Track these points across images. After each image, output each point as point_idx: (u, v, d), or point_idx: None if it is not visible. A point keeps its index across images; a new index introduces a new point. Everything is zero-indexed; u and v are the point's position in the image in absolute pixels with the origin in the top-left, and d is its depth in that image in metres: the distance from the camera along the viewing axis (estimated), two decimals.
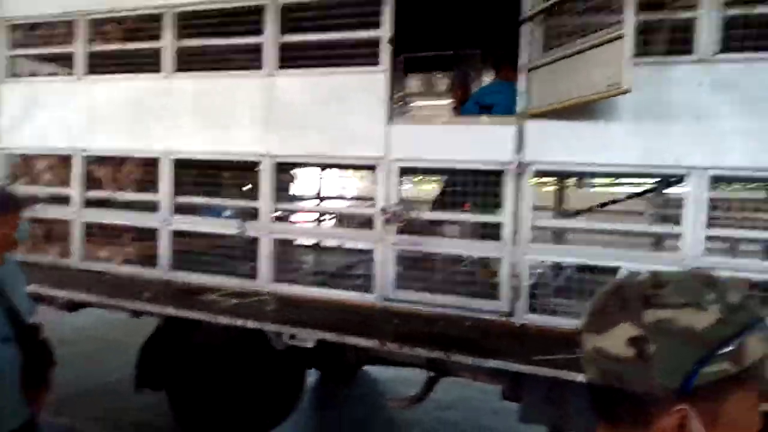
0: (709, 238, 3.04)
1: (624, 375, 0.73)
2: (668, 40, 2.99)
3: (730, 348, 0.70)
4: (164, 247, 4.26)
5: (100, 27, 4.44)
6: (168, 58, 4.18)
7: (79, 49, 4.46)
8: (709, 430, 0.71)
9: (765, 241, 3.09)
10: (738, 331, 0.71)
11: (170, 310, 3.66)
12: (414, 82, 6.33)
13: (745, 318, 0.73)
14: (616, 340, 0.74)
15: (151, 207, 4.32)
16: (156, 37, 4.20)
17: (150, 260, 4.31)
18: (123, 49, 4.36)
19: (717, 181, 3.05)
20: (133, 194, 4.44)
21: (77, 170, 4.52)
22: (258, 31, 3.87)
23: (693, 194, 2.99)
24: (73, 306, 4.16)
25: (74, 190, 4.54)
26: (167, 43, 4.17)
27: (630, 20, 2.48)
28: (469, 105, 4.18)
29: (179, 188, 4.23)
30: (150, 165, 4.32)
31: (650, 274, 0.78)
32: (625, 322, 0.74)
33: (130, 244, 4.47)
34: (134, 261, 4.40)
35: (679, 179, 3.05)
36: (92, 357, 5.68)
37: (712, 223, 2.99)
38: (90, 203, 4.52)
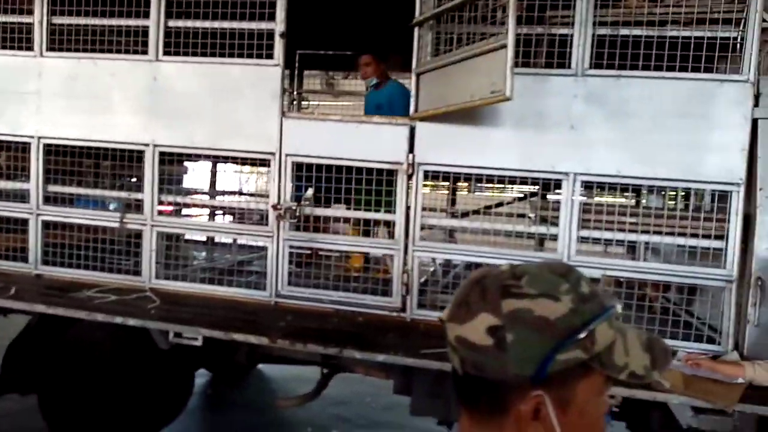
0: (583, 239, 3.29)
1: (483, 363, 0.75)
2: (547, 53, 3.19)
3: (581, 336, 0.74)
4: (34, 240, 3.92)
5: None
6: (40, 35, 3.84)
7: None
8: (562, 415, 0.75)
9: (630, 242, 3.40)
10: (588, 320, 0.75)
11: (40, 308, 3.39)
12: (311, 81, 6.28)
13: (596, 307, 0.76)
14: (476, 330, 0.76)
15: (21, 195, 3.97)
16: (24, 11, 3.85)
17: (19, 253, 3.97)
18: None
19: (588, 186, 3.31)
20: None
21: None
22: (143, 14, 3.67)
23: (567, 198, 3.22)
24: None
25: None
26: (39, 19, 3.83)
27: (512, 31, 2.62)
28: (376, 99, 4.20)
29: (52, 177, 3.92)
30: (19, 151, 3.95)
31: (509, 265, 0.81)
32: (485, 312, 0.76)
33: None
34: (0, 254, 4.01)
35: (556, 184, 3.28)
36: None
37: (584, 225, 3.24)
38: None
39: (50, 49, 3.86)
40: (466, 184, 4.37)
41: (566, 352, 0.73)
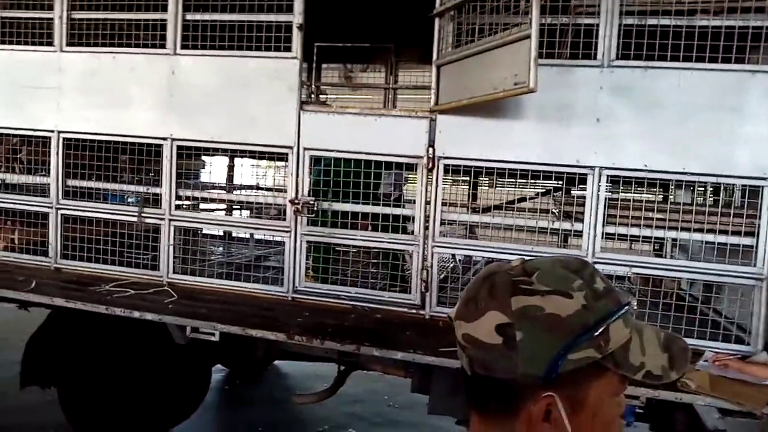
0: (608, 236, 3.20)
1: (492, 363, 0.72)
2: (572, 44, 3.11)
3: (595, 334, 0.70)
4: (54, 233, 3.95)
5: None
6: (59, 31, 3.85)
7: None
8: (575, 416, 0.71)
9: (657, 239, 3.31)
10: (602, 317, 0.71)
11: (59, 301, 3.40)
12: (329, 73, 6.24)
13: (610, 304, 0.73)
14: (485, 328, 0.72)
15: (41, 190, 4.00)
16: (45, 6, 3.86)
17: (39, 247, 4.00)
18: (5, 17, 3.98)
19: (614, 181, 3.23)
20: (18, 176, 4.08)
21: None
22: (161, 7, 3.66)
23: (592, 193, 3.14)
24: None
25: None
26: (59, 14, 3.84)
27: (536, 21, 2.55)
28: None
29: (72, 171, 3.93)
30: (39, 145, 3.98)
31: (520, 260, 0.77)
32: (494, 310, 0.72)
33: (15, 228, 4.10)
34: (20, 247, 4.05)
35: (581, 179, 3.20)
36: None
37: (610, 221, 3.16)
38: None
39: (70, 44, 3.87)
40: (487, 179, 4.30)
41: (578, 351, 0.70)
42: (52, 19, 3.88)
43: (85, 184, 3.93)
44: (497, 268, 0.77)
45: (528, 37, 2.58)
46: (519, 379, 0.71)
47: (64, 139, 3.91)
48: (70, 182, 3.96)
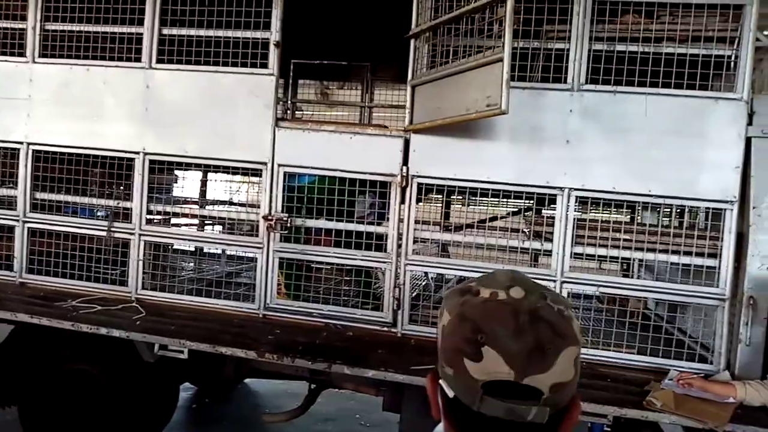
0: (577, 255, 3.26)
1: (566, 395, 0.76)
2: (543, 67, 3.19)
3: None
4: (20, 247, 3.86)
5: None
6: (32, 41, 3.81)
7: None
8: None
9: (624, 259, 3.37)
10: None
11: (23, 317, 3.31)
12: (306, 90, 6.26)
13: None
14: (563, 366, 0.74)
15: (7, 202, 3.92)
16: (18, 17, 3.82)
17: (3, 261, 3.90)
18: None
19: (583, 202, 3.29)
20: None
21: None
22: (137, 21, 3.64)
23: (561, 214, 3.19)
24: None
25: None
26: (32, 24, 3.79)
27: (508, 45, 2.61)
28: None
29: (41, 183, 3.86)
30: (7, 157, 3.90)
31: (522, 289, 0.77)
32: (569, 346, 0.76)
33: None
34: None
35: (551, 199, 3.26)
36: None
37: (579, 241, 3.22)
38: None
39: (42, 55, 3.82)
40: (459, 197, 4.35)
41: None
42: (24, 29, 3.83)
43: (53, 197, 3.85)
44: (525, 306, 0.75)
45: (501, 60, 2.64)
46: (575, 395, 0.77)
47: (33, 150, 3.84)
48: (38, 195, 3.87)
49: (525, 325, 0.73)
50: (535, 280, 0.81)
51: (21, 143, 3.85)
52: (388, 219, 3.47)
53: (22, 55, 3.84)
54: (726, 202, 3.04)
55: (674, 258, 3.11)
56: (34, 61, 3.83)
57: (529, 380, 0.72)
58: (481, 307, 0.76)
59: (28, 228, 3.88)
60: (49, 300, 3.59)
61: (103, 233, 3.74)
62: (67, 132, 3.78)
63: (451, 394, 0.76)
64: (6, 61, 3.87)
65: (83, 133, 3.75)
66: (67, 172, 3.83)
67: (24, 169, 3.85)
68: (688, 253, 3.09)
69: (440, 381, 0.79)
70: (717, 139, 3.05)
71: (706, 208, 3.15)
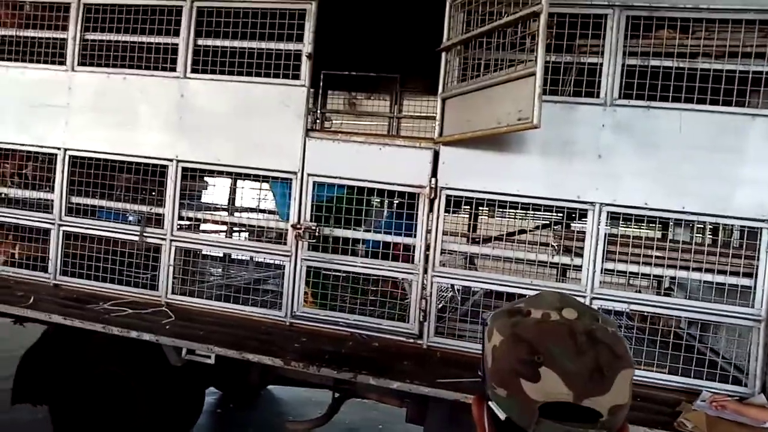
0: (607, 271, 3.21)
1: (623, 417, 0.76)
2: (575, 82, 3.17)
3: None
4: (55, 249, 3.96)
5: None
6: (72, 50, 3.92)
7: None
8: None
9: (656, 276, 3.31)
10: None
11: (57, 318, 3.39)
12: (334, 100, 6.32)
13: None
14: (621, 387, 0.75)
15: (43, 206, 4.02)
16: (59, 27, 3.94)
17: (39, 263, 4.00)
18: (18, 36, 4.04)
19: (614, 218, 3.25)
20: (22, 191, 4.10)
21: None
22: (173, 32, 3.73)
23: (592, 229, 3.16)
24: None
25: None
26: (72, 34, 3.91)
27: (541, 59, 2.60)
28: None
29: (77, 188, 3.96)
30: (45, 162, 4.02)
31: (574, 310, 0.79)
32: (626, 368, 0.76)
33: (14, 243, 4.10)
34: (20, 262, 4.05)
35: (582, 213, 3.23)
36: None
37: (609, 257, 3.17)
38: None
39: (81, 63, 3.94)
40: (487, 209, 4.32)
41: None
42: (65, 39, 3.95)
43: (88, 201, 3.95)
44: (582, 328, 0.75)
45: (533, 74, 2.64)
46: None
47: (70, 156, 3.94)
48: (74, 199, 3.98)
49: (583, 346, 0.72)
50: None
51: (59, 149, 3.95)
52: (408, 234, 3.46)
53: (62, 63, 3.96)
54: (762, 220, 2.98)
55: (708, 276, 3.05)
56: (73, 70, 3.95)
57: (588, 402, 0.71)
58: (536, 328, 0.75)
59: (64, 231, 3.98)
60: (82, 302, 3.67)
61: (135, 238, 3.82)
62: (104, 139, 3.88)
63: (502, 416, 0.75)
64: (47, 69, 3.99)
65: (119, 140, 3.84)
66: (102, 177, 3.92)
67: (61, 174, 3.95)
68: (722, 272, 3.02)
69: (489, 403, 0.78)
70: (753, 156, 2.99)
71: (741, 226, 3.09)
